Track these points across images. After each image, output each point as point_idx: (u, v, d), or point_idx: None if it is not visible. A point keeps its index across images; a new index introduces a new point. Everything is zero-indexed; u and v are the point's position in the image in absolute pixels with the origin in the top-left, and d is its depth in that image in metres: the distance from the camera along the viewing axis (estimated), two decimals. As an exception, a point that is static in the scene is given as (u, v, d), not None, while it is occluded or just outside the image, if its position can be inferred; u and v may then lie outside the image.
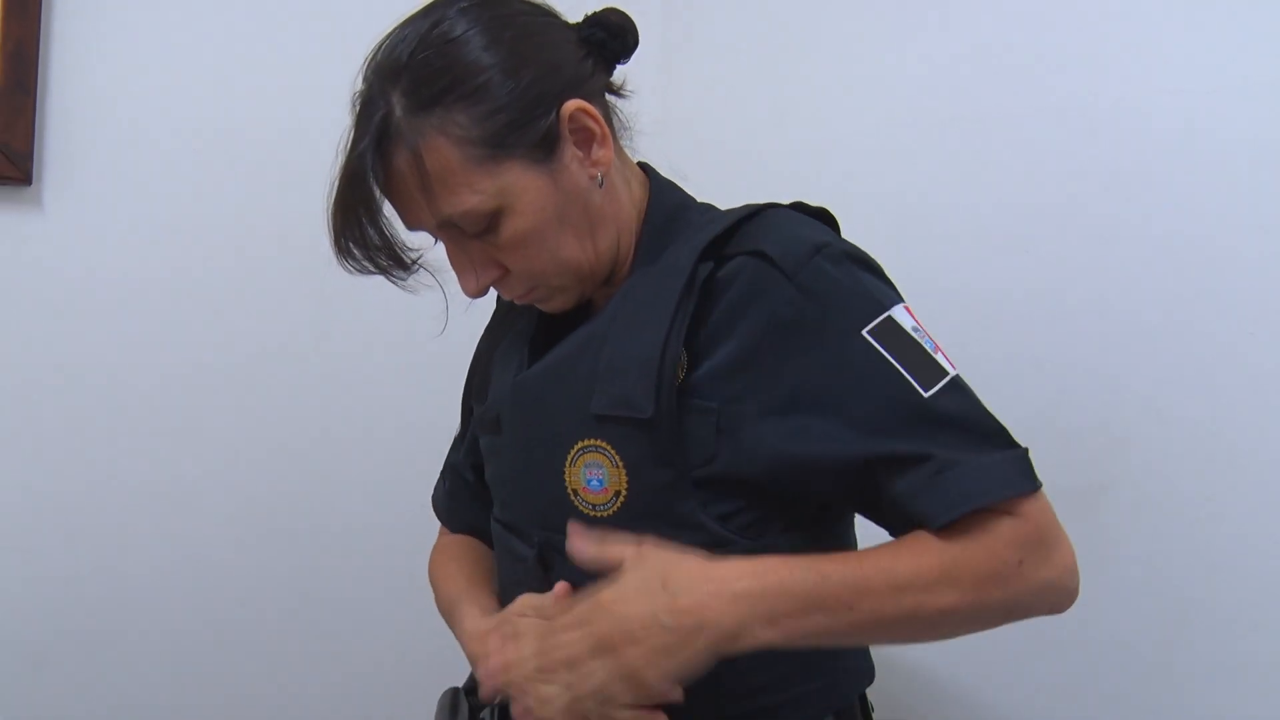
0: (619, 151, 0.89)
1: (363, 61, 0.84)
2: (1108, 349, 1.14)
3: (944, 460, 0.73)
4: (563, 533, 0.76)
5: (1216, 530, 1.05)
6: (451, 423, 1.76)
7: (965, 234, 1.28)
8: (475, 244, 0.84)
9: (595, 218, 0.85)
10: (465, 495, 1.10)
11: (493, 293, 0.90)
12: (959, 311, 1.28)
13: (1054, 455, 1.18)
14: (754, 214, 0.83)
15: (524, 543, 0.89)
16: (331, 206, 0.82)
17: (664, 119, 1.68)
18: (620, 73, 0.90)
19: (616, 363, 0.80)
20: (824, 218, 0.87)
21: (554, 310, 0.90)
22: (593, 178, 0.84)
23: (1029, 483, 0.75)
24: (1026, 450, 0.76)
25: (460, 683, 1.06)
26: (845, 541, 0.90)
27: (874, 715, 0.93)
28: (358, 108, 0.82)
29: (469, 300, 0.88)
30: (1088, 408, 1.15)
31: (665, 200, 0.90)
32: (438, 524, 1.63)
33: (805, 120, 1.46)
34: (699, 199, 0.94)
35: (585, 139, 0.83)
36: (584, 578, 0.82)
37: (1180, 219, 1.08)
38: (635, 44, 0.89)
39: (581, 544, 0.76)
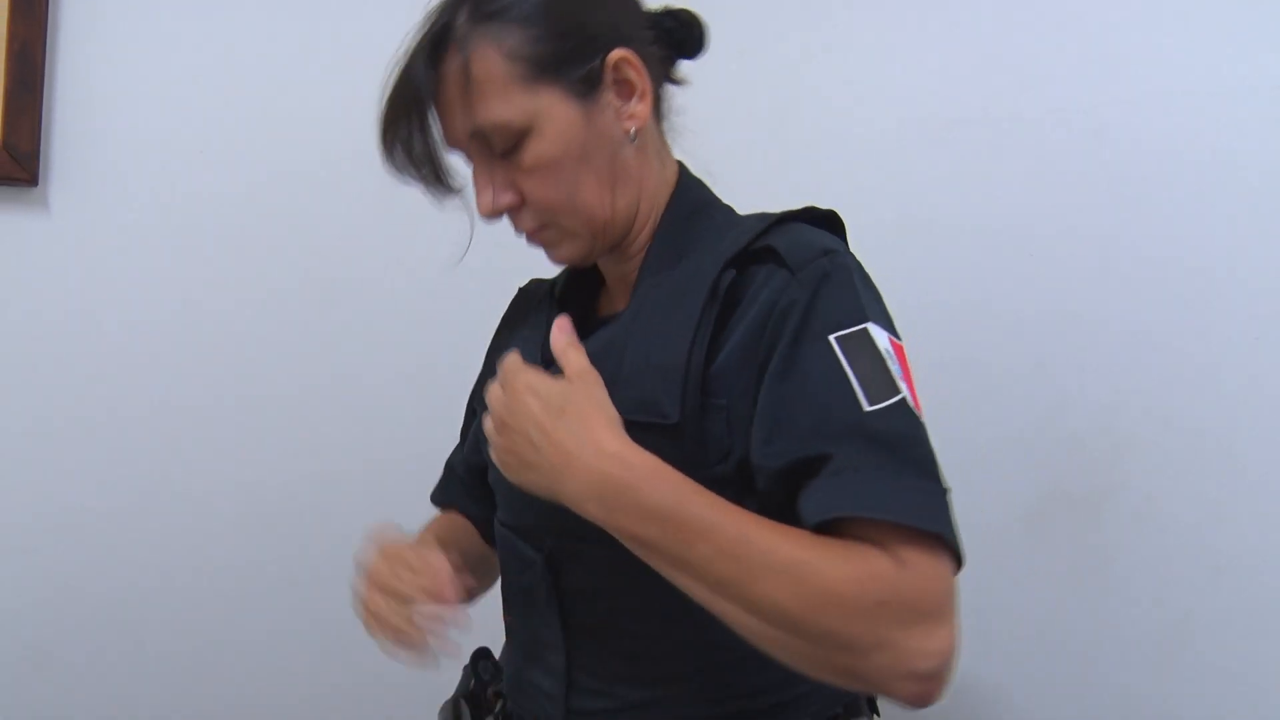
0: (659, 130, 0.91)
1: None
2: (1111, 354, 1.14)
3: (845, 464, 0.70)
4: (573, 537, 0.75)
5: (1220, 536, 1.05)
6: (457, 423, 1.76)
7: (970, 238, 1.28)
8: (500, 164, 0.85)
9: (620, 171, 0.86)
10: (457, 488, 1.12)
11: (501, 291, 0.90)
12: (963, 316, 1.28)
13: (1058, 461, 1.18)
14: (775, 223, 0.83)
15: (532, 547, 0.88)
16: (383, 105, 0.84)
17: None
18: (684, 67, 0.93)
19: (639, 367, 0.80)
20: (832, 220, 0.88)
21: (560, 260, 0.91)
22: (626, 131, 0.85)
23: (929, 521, 0.68)
24: (946, 493, 0.70)
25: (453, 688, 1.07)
26: None
27: (880, 716, 0.93)
28: (428, 15, 0.85)
29: (477, 310, 0.89)
30: (1091, 413, 1.15)
31: (691, 194, 0.91)
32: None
33: (810, 124, 1.46)
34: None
35: (625, 91, 0.85)
36: (593, 585, 0.81)
37: (1185, 224, 1.08)
38: (699, 42, 0.91)
39: (559, 335, 0.80)
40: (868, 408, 0.71)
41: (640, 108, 0.85)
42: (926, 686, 0.66)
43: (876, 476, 0.69)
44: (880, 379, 0.72)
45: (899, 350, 0.76)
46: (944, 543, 0.68)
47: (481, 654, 1.02)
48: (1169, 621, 1.09)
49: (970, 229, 1.28)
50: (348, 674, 1.63)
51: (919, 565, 0.67)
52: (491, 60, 0.82)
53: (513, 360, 0.80)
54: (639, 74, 0.84)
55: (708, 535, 0.69)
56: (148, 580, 1.48)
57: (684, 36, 0.91)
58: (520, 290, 1.09)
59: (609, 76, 0.84)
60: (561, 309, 0.95)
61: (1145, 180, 1.12)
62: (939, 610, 0.67)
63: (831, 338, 0.74)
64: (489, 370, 1.07)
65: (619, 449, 0.73)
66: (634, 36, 0.86)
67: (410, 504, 1.64)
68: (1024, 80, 1.24)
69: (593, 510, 0.72)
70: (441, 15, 0.84)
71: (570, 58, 0.82)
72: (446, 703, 1.01)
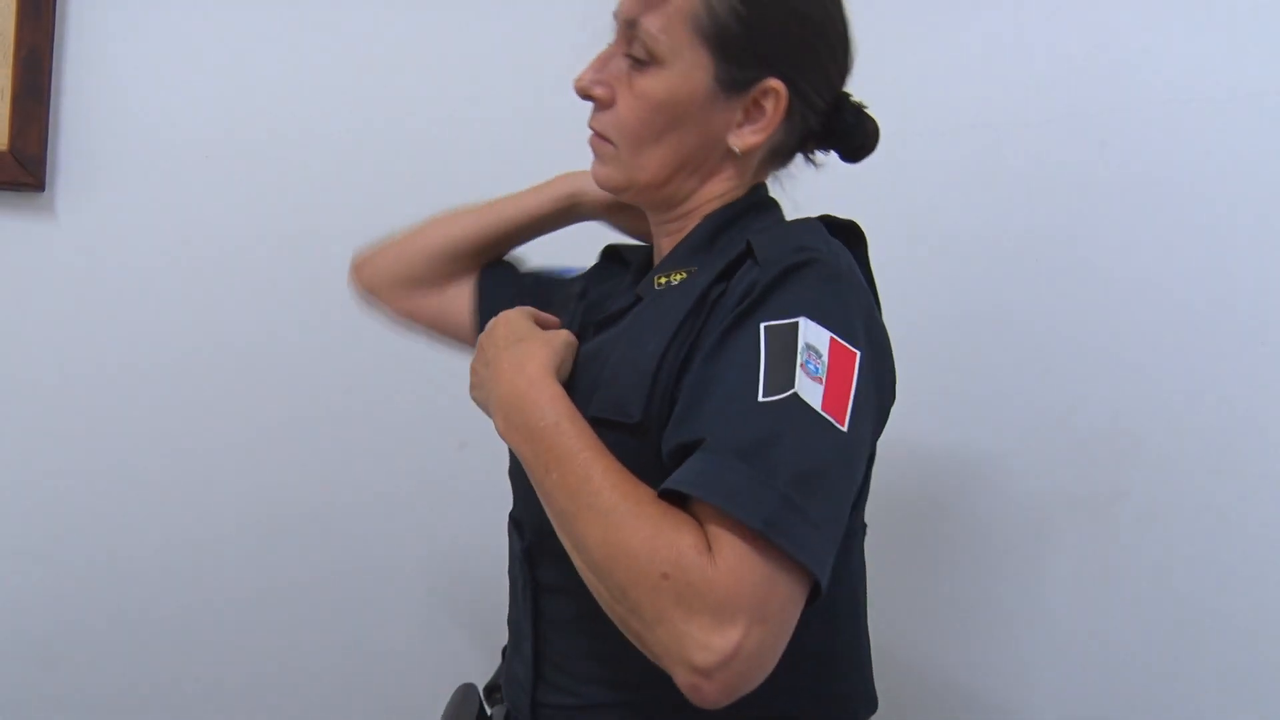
0: (761, 171, 0.91)
1: None
2: (1117, 360, 1.14)
3: (712, 445, 0.69)
4: (552, 534, 0.76)
5: (1226, 541, 1.05)
6: (463, 424, 1.76)
7: (977, 242, 1.28)
8: (623, 66, 0.86)
9: (695, 160, 0.87)
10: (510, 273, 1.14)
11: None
12: (970, 323, 1.28)
13: (1064, 466, 1.18)
14: (772, 229, 0.85)
15: (520, 538, 0.91)
16: None
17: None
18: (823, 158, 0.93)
19: (616, 370, 0.81)
20: (851, 229, 0.87)
21: (595, 174, 0.91)
22: (724, 140, 0.85)
23: (747, 511, 0.65)
24: (782, 496, 0.66)
25: (468, 679, 1.07)
26: (850, 560, 0.88)
27: None
28: None
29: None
30: (1098, 417, 1.15)
31: (744, 203, 0.90)
32: (451, 522, 1.65)
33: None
34: None
35: (755, 114, 0.84)
36: (565, 584, 0.80)
37: (1190, 228, 1.08)
38: (859, 153, 0.91)
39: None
40: (761, 398, 0.70)
41: (753, 137, 0.85)
42: (700, 681, 0.64)
43: (724, 461, 0.67)
44: (782, 372, 0.70)
45: (839, 354, 0.73)
46: (771, 545, 0.65)
47: None
48: (1176, 627, 1.09)
49: (975, 236, 1.28)
50: (357, 670, 1.63)
51: (725, 556, 0.65)
52: None
53: (517, 309, 0.90)
54: (776, 112, 0.84)
55: (561, 464, 0.73)
56: (157, 581, 1.48)
57: (849, 134, 0.90)
58: (607, 251, 1.08)
59: (753, 93, 0.83)
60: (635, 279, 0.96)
61: (1150, 187, 1.12)
62: (730, 607, 0.63)
63: (762, 325, 0.73)
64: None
65: (537, 374, 0.79)
66: (805, 89, 0.85)
67: (414, 507, 1.65)
68: (1028, 86, 1.24)
69: (499, 424, 0.80)
70: None
71: (742, 52, 0.82)
72: (458, 689, 1.03)
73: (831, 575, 0.69)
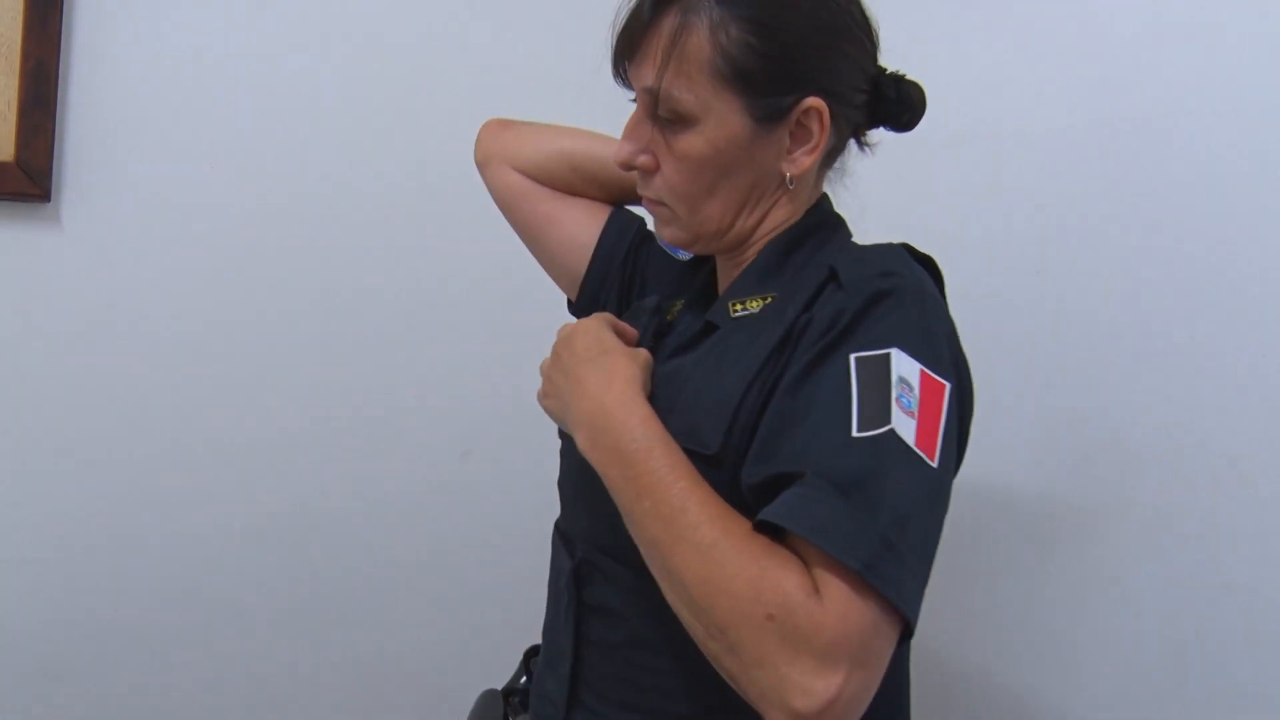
0: (818, 178, 0.90)
1: None
2: (1119, 371, 1.14)
3: (811, 481, 0.68)
4: (606, 554, 0.75)
5: (1228, 553, 1.05)
6: (469, 427, 1.77)
7: (978, 254, 1.28)
8: (656, 127, 0.84)
9: (754, 200, 0.86)
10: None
11: None
12: (972, 334, 1.27)
13: (1067, 477, 1.18)
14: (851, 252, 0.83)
15: (568, 554, 0.89)
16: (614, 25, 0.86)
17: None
18: (876, 134, 0.92)
19: (695, 397, 0.80)
20: (928, 265, 0.85)
21: (662, 238, 0.91)
22: (781, 172, 0.84)
23: (850, 554, 0.64)
24: (881, 537, 0.65)
25: (472, 684, 1.07)
26: None
27: None
28: None
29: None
30: (1099, 430, 1.15)
31: (809, 223, 0.88)
32: (454, 531, 1.65)
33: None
34: None
35: (801, 137, 0.83)
36: (614, 606, 0.81)
37: (1193, 241, 1.08)
38: (910, 123, 0.89)
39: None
40: (855, 433, 0.68)
41: (806, 159, 0.83)
42: None
43: (822, 497, 0.66)
44: (877, 406, 0.69)
45: (930, 387, 0.72)
46: (871, 588, 0.64)
47: (536, 650, 1.02)
48: (1178, 638, 1.08)
49: (977, 246, 1.28)
50: (365, 674, 1.64)
51: (833, 599, 0.63)
52: (703, 41, 0.80)
53: (596, 316, 0.87)
54: (822, 129, 0.82)
55: (654, 492, 0.70)
56: (160, 590, 1.49)
57: (892, 110, 0.88)
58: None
59: (793, 117, 0.82)
60: (696, 297, 0.95)
61: (1151, 198, 1.12)
62: (836, 652, 0.62)
63: (852, 356, 0.72)
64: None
65: (626, 393, 0.76)
66: (841, 91, 0.83)
67: (417, 515, 1.65)
68: (1032, 97, 1.24)
69: (581, 440, 0.77)
70: None
71: (769, 82, 0.80)
72: (482, 693, 1.02)
73: None
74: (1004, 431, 1.24)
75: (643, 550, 0.72)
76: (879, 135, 0.92)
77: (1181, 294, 1.09)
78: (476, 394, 1.68)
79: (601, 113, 1.07)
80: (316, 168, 1.55)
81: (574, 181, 1.05)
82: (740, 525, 0.69)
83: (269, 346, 1.53)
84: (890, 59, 0.90)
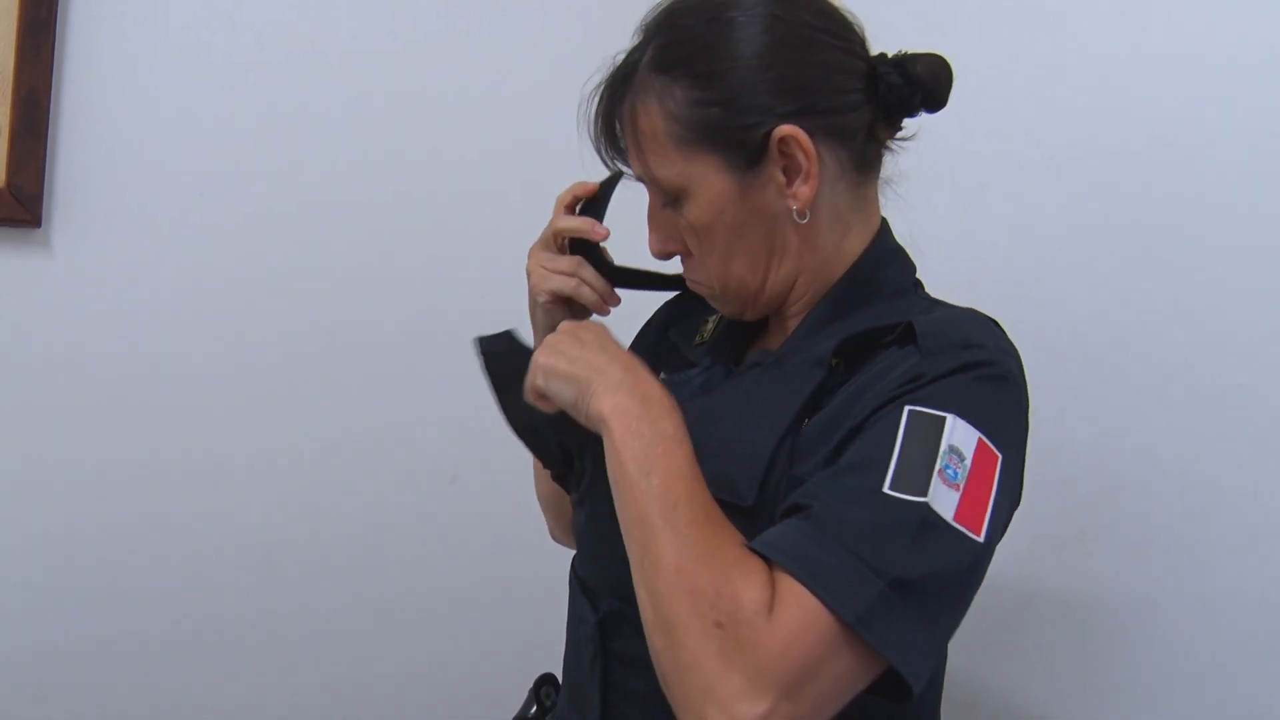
0: (855, 195, 0.83)
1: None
2: (1100, 399, 1.15)
3: (815, 513, 0.66)
4: (633, 604, 0.71)
5: (1208, 579, 1.06)
6: (457, 452, 1.76)
7: (956, 284, 1.29)
8: (667, 210, 0.83)
9: (779, 248, 0.81)
10: None
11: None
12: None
13: (1047, 503, 1.19)
14: (932, 310, 0.80)
15: (590, 605, 0.86)
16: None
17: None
18: (913, 125, 0.86)
19: (729, 442, 0.76)
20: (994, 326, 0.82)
21: (721, 311, 0.89)
22: (789, 209, 0.79)
23: (835, 597, 0.62)
24: (882, 593, 0.63)
25: (481, 711, 1.08)
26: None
27: None
28: (629, 47, 0.84)
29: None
30: (1080, 457, 1.16)
31: (871, 270, 0.84)
32: (442, 558, 1.64)
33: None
34: None
35: (793, 168, 0.78)
36: (644, 656, 0.80)
37: (1173, 270, 1.10)
38: (936, 102, 0.82)
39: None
40: (886, 489, 0.66)
41: (805, 189, 0.78)
42: None
43: (827, 541, 0.64)
44: (917, 472, 0.66)
45: (984, 458, 0.69)
46: (826, 621, 0.62)
47: (546, 679, 1.01)
48: (1158, 664, 1.09)
49: (956, 276, 1.29)
50: (354, 704, 1.63)
51: (783, 622, 0.62)
52: (654, 115, 0.79)
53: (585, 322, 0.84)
54: (806, 153, 0.77)
55: (668, 475, 0.69)
56: (147, 613, 1.48)
57: (905, 96, 0.81)
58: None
59: (773, 152, 0.77)
60: (728, 332, 0.93)
61: (1132, 228, 1.13)
62: (767, 677, 0.61)
63: (908, 408, 0.68)
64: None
65: (657, 385, 0.74)
66: (818, 103, 0.78)
67: (405, 542, 1.65)
68: (1011, 128, 1.26)
69: (605, 405, 0.72)
70: (633, 53, 0.82)
71: (731, 127, 0.77)
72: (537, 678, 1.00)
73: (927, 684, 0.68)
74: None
75: (625, 522, 0.70)
76: (917, 124, 0.87)
77: (1161, 321, 1.10)
78: (464, 419, 1.68)
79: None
80: (306, 194, 1.56)
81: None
82: (730, 534, 0.68)
83: (257, 371, 1.54)
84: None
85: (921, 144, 1.35)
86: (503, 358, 0.91)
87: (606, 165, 0.88)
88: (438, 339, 1.65)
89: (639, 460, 0.70)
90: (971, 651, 1.26)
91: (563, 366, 0.77)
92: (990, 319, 0.81)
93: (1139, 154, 1.13)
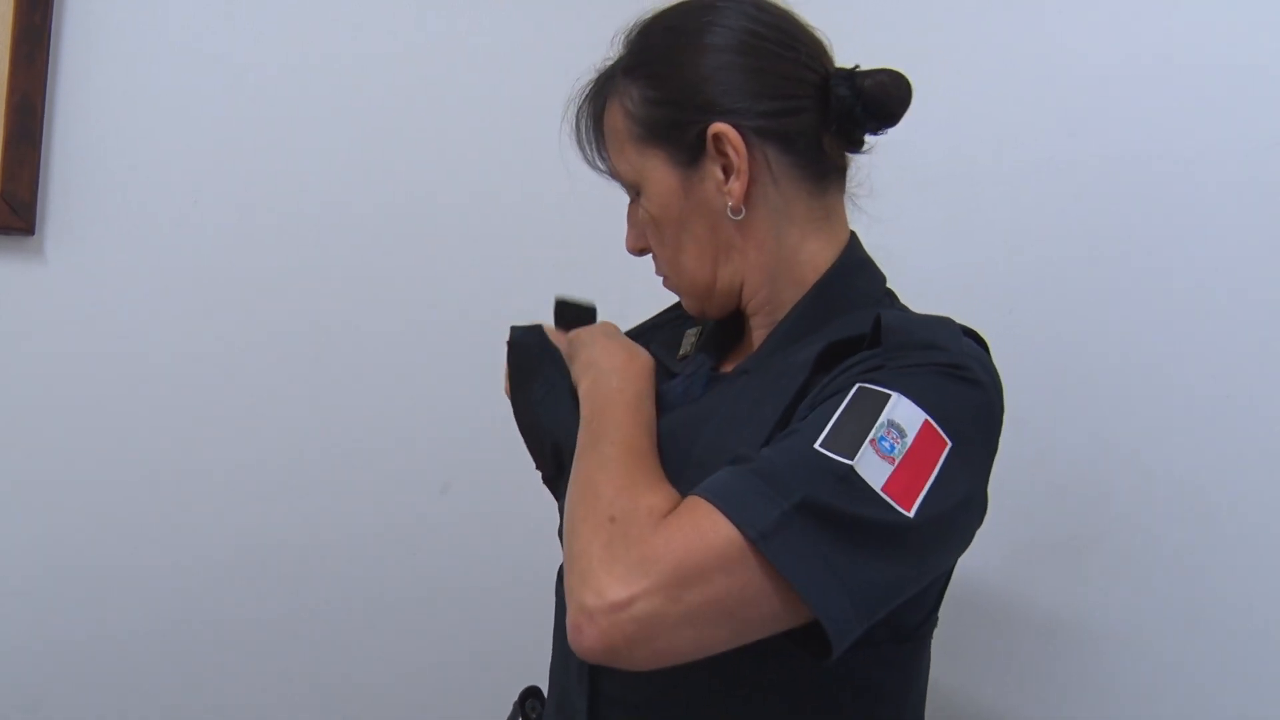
0: (811, 207, 0.85)
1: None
2: (1091, 407, 1.16)
3: (742, 458, 0.68)
4: None
5: (1196, 586, 1.06)
6: (448, 461, 1.76)
7: (948, 292, 1.30)
8: (636, 208, 0.89)
9: (723, 243, 0.84)
10: None
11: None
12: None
13: (1039, 510, 1.20)
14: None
15: None
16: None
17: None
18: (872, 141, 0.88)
19: (713, 451, 0.77)
20: (974, 339, 0.83)
21: (688, 309, 0.93)
22: (727, 206, 0.82)
23: (738, 514, 0.64)
24: (786, 514, 0.64)
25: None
26: (920, 665, 0.86)
27: None
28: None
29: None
30: (1072, 464, 1.17)
31: (840, 283, 0.85)
32: (433, 566, 1.64)
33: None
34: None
35: (729, 165, 0.81)
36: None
37: (1163, 279, 1.10)
38: (885, 117, 0.84)
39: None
40: (816, 446, 0.67)
41: (737, 186, 0.81)
42: (582, 622, 0.63)
43: (744, 474, 0.66)
44: (850, 436, 0.67)
45: (929, 439, 0.69)
46: (719, 531, 0.64)
47: (531, 693, 1.01)
48: (1148, 670, 1.10)
49: (945, 286, 1.30)
50: (345, 713, 1.62)
51: (670, 524, 0.66)
52: (617, 114, 0.86)
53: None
54: (738, 151, 0.80)
55: (610, 421, 0.78)
56: (137, 624, 1.47)
57: (849, 106, 0.82)
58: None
59: (709, 149, 0.81)
60: (708, 342, 0.95)
61: (1122, 237, 1.14)
62: (645, 567, 0.63)
63: (858, 384, 0.70)
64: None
65: (645, 386, 0.84)
66: (758, 108, 0.81)
67: (396, 550, 1.65)
68: (1004, 137, 1.27)
69: (587, 382, 0.84)
70: (613, 61, 0.89)
71: (674, 124, 0.82)
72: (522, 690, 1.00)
73: (902, 683, 0.73)
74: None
75: (574, 459, 0.78)
76: (877, 142, 0.89)
77: (1151, 331, 1.11)
78: (456, 428, 1.68)
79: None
80: (300, 202, 1.56)
81: None
82: (650, 460, 0.75)
83: (251, 378, 1.54)
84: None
85: (917, 150, 1.36)
86: (527, 350, 0.95)
87: (588, 164, 0.92)
88: (431, 347, 1.66)
89: (588, 407, 0.81)
90: (962, 658, 1.26)
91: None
92: (967, 329, 0.81)
93: (1134, 161, 1.14)
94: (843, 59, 0.87)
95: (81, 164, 1.41)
